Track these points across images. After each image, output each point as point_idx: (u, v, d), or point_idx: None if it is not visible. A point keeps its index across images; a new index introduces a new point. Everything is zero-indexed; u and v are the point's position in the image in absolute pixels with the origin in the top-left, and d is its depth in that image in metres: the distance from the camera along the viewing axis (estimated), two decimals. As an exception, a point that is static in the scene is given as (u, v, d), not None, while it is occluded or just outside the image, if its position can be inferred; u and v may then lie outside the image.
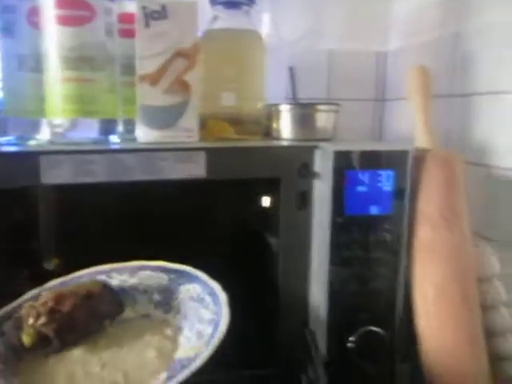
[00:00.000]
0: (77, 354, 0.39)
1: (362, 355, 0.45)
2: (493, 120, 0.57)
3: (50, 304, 0.39)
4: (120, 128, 0.48)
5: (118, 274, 0.47)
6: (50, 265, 0.72)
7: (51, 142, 0.45)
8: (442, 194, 0.46)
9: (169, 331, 0.41)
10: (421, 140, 0.50)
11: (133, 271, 0.48)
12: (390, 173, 0.44)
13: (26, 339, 0.39)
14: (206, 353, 0.34)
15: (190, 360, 0.34)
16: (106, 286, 0.43)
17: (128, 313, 0.44)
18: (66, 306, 0.39)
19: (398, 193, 0.45)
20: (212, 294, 0.42)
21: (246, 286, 0.66)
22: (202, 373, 0.33)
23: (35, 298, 0.42)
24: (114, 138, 0.47)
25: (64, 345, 0.39)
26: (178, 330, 0.41)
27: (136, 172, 0.42)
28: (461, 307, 0.46)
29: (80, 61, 0.44)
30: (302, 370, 0.49)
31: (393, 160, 0.45)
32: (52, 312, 0.38)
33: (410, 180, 0.45)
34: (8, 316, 0.42)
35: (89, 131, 0.45)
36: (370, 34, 0.79)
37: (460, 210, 0.46)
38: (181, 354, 0.37)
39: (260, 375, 0.50)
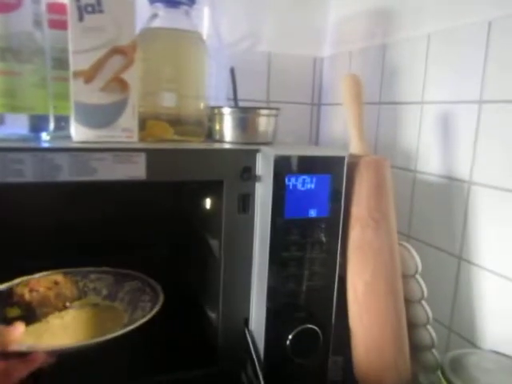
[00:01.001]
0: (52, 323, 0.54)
1: (298, 353, 0.47)
2: (418, 128, 0.61)
3: (30, 286, 0.54)
4: (51, 125, 0.45)
5: (72, 276, 0.60)
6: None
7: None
8: (372, 197, 0.49)
9: (117, 311, 0.57)
10: (354, 146, 0.53)
11: (84, 274, 0.62)
12: (327, 177, 0.46)
13: (14, 311, 0.52)
14: (149, 315, 0.50)
15: (138, 319, 0.50)
16: (66, 277, 0.58)
17: (82, 301, 0.59)
18: (42, 288, 0.55)
19: (334, 196, 0.47)
20: (150, 286, 0.59)
21: (187, 286, 0.66)
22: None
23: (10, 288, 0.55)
24: (45, 136, 0.44)
25: (40, 316, 0.53)
26: (125, 310, 0.56)
27: (68, 173, 0.40)
28: (387, 302, 0.49)
29: (5, 52, 0.40)
30: (242, 369, 0.50)
31: (330, 165, 0.47)
32: (31, 291, 0.54)
33: (345, 184, 0.48)
34: None
35: (17, 127, 0.41)
36: (307, 39, 0.81)
37: (388, 211, 0.49)
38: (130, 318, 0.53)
39: (200, 375, 0.50)
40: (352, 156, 0.49)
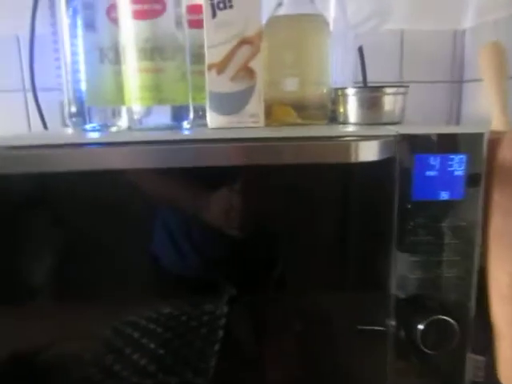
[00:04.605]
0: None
1: (430, 344, 0.44)
2: None
3: None
4: (191, 114, 0.50)
5: None
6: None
7: (130, 129, 0.49)
8: None
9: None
10: (497, 122, 0.47)
11: None
12: (463, 157, 0.42)
13: None
14: None
15: None
16: None
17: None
18: None
19: (472, 178, 0.43)
20: None
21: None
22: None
23: None
24: (186, 124, 0.49)
25: None
26: None
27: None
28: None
29: (153, 52, 0.46)
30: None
31: (465, 144, 0.42)
32: None
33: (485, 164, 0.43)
34: None
35: (162, 117, 0.48)
36: (445, 12, 0.74)
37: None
38: None
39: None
40: (494, 133, 0.44)
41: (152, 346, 0.47)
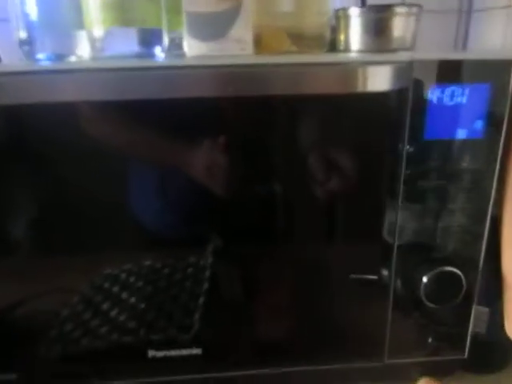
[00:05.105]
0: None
1: (434, 298, 0.41)
2: None
3: None
4: (166, 41, 0.43)
5: None
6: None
7: (92, 59, 0.41)
8: None
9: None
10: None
11: None
12: (485, 87, 0.36)
13: None
14: None
15: None
16: None
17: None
18: None
19: (494, 113, 0.37)
20: None
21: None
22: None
23: None
24: (159, 51, 0.42)
25: None
26: None
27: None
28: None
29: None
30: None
31: (489, 72, 0.36)
32: None
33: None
34: None
35: (130, 44, 0.40)
36: None
37: None
38: None
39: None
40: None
41: (132, 300, 0.43)
